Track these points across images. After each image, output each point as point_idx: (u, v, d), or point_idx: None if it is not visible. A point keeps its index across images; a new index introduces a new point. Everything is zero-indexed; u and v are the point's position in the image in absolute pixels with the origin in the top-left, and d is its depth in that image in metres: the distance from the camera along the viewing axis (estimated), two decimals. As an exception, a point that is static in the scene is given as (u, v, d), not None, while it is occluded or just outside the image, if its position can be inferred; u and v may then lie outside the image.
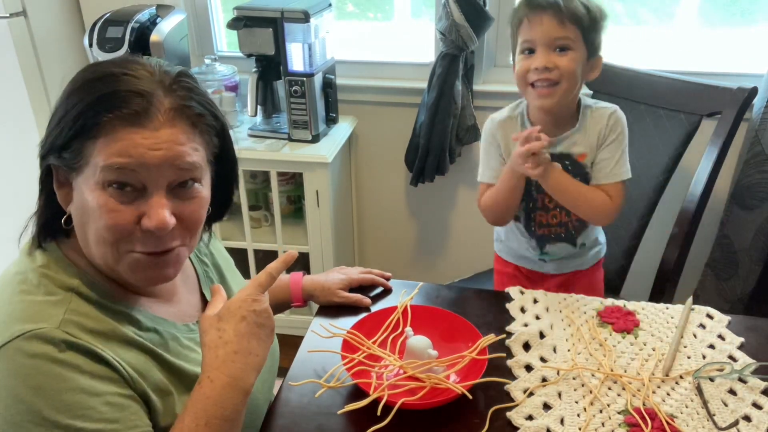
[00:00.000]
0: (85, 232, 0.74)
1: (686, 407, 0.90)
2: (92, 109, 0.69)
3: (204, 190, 0.78)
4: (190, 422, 0.72)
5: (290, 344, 1.05)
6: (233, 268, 1.05)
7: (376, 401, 0.85)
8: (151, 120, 0.70)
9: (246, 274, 1.97)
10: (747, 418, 0.88)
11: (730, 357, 0.99)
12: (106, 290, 0.76)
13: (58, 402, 0.66)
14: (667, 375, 0.96)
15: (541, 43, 1.13)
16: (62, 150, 0.71)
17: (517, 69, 1.19)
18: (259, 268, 1.99)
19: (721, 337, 1.04)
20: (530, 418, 0.88)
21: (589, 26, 1.14)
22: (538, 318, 1.09)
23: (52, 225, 0.77)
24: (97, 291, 0.75)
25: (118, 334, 0.74)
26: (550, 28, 1.12)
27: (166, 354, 0.78)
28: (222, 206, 0.89)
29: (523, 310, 1.12)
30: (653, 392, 0.92)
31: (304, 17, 1.66)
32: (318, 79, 1.78)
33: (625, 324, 1.06)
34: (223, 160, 0.83)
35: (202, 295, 0.94)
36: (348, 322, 1.04)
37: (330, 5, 1.81)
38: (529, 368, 0.97)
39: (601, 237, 1.41)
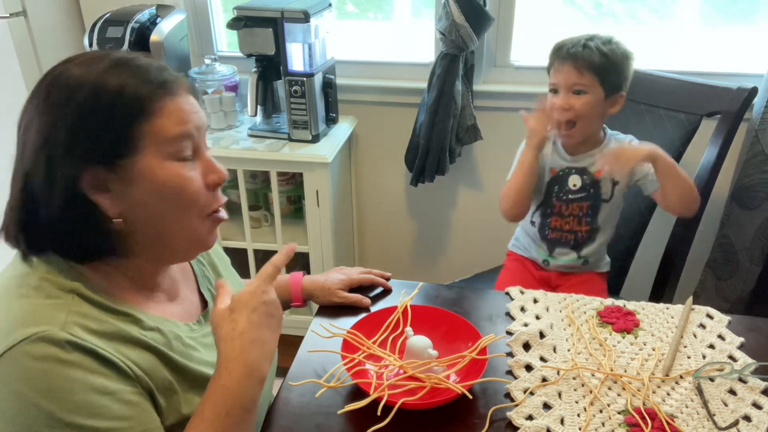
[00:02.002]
0: (157, 222, 0.75)
1: (686, 407, 0.90)
2: (143, 91, 0.71)
3: None
4: (210, 414, 0.73)
5: (290, 344, 1.05)
6: (230, 268, 1.05)
7: (376, 401, 0.85)
8: (181, 88, 0.76)
9: (246, 275, 1.97)
10: (747, 418, 0.88)
11: (730, 357, 0.99)
12: (107, 292, 0.76)
13: (71, 403, 0.66)
14: (667, 375, 0.96)
15: (562, 87, 1.33)
16: (115, 148, 0.70)
17: (547, 104, 1.39)
18: (259, 268, 1.99)
19: (721, 337, 1.04)
20: (530, 418, 0.88)
21: (606, 71, 1.31)
22: (538, 318, 1.09)
23: (96, 242, 0.75)
24: (98, 293, 0.74)
25: (122, 334, 0.73)
26: (569, 75, 1.32)
27: (170, 352, 0.78)
28: None
29: (523, 309, 1.12)
30: (653, 392, 0.92)
31: (304, 17, 1.66)
32: (318, 79, 1.78)
33: (625, 324, 1.06)
34: None
35: (201, 295, 0.94)
36: (348, 322, 1.04)
37: (330, 5, 1.81)
38: (529, 368, 0.97)
39: (606, 257, 1.53)
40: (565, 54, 1.32)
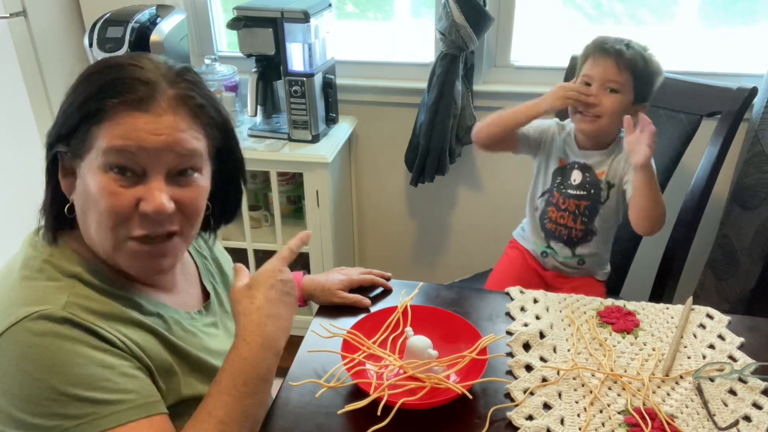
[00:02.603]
0: (86, 220, 0.75)
1: (686, 407, 0.90)
2: (98, 94, 0.71)
3: (203, 180, 0.79)
4: (227, 382, 0.75)
5: (290, 344, 1.05)
6: (231, 267, 1.06)
7: (376, 401, 0.85)
8: (154, 106, 0.72)
9: (246, 274, 1.97)
10: (747, 418, 0.88)
11: (730, 357, 0.99)
12: (109, 277, 0.77)
13: (73, 376, 0.67)
14: (667, 375, 0.96)
15: (597, 80, 1.31)
16: (69, 137, 0.73)
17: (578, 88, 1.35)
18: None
19: (721, 337, 1.04)
20: (530, 418, 0.88)
21: (642, 77, 1.31)
22: (538, 318, 1.09)
23: (58, 217, 0.78)
24: (100, 278, 0.76)
25: (122, 315, 0.75)
26: (609, 71, 1.30)
27: (170, 336, 0.80)
28: (229, 208, 0.90)
29: (523, 309, 1.12)
30: (653, 392, 0.92)
31: (304, 17, 1.66)
32: (318, 79, 1.78)
33: (625, 324, 1.06)
34: (228, 159, 0.84)
35: (203, 288, 0.95)
36: (348, 322, 1.04)
37: (330, 5, 1.81)
38: (529, 368, 0.97)
39: (607, 264, 1.52)
40: (610, 49, 1.30)
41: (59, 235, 0.78)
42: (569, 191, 1.42)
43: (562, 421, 0.87)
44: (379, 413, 0.84)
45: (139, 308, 0.78)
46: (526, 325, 1.06)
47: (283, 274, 0.84)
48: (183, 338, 0.82)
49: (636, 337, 1.04)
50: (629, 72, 1.29)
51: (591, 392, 0.92)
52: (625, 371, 0.96)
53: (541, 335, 1.04)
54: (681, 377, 0.96)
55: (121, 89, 0.71)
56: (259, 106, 1.85)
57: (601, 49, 1.32)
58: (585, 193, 1.40)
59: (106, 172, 0.72)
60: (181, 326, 0.83)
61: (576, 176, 1.41)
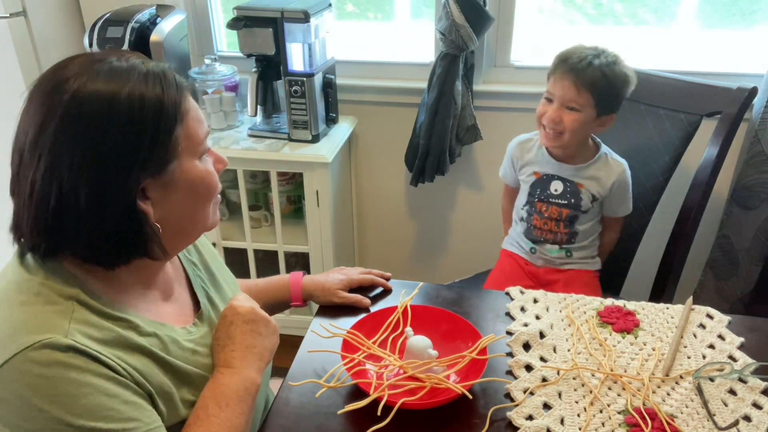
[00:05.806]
0: (186, 218, 0.80)
1: (686, 407, 0.90)
2: (173, 95, 0.74)
3: None
4: (213, 406, 0.79)
5: (290, 344, 1.05)
6: (223, 266, 1.04)
7: (376, 401, 0.85)
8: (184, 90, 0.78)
9: (246, 275, 1.97)
10: (747, 418, 0.88)
11: (730, 357, 0.99)
12: (104, 297, 0.76)
13: (78, 406, 0.66)
14: (667, 375, 0.96)
15: (557, 100, 1.34)
16: (163, 156, 0.73)
17: (537, 109, 1.39)
18: (259, 268, 2.00)
19: (721, 337, 1.04)
20: (530, 418, 0.88)
21: (604, 94, 1.31)
22: (538, 318, 1.09)
23: (136, 243, 0.76)
24: (96, 299, 0.75)
25: (121, 340, 0.74)
26: (567, 90, 1.32)
27: (167, 356, 0.79)
28: None
29: (523, 309, 1.12)
30: (653, 392, 0.92)
31: (304, 17, 1.66)
32: (318, 79, 1.78)
33: (625, 324, 1.07)
34: None
35: (193, 294, 0.94)
36: (348, 322, 1.04)
37: (330, 5, 1.81)
38: (529, 368, 0.97)
39: (596, 257, 1.54)
40: (569, 68, 1.31)
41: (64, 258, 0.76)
42: (551, 199, 1.45)
43: (562, 421, 0.87)
44: (379, 413, 0.84)
45: (136, 329, 0.77)
46: (526, 325, 1.06)
47: (241, 306, 0.90)
48: (179, 356, 0.81)
49: (636, 337, 1.04)
50: (588, 92, 1.30)
51: (591, 392, 0.92)
52: (625, 371, 0.96)
53: (541, 335, 1.04)
54: (681, 377, 0.96)
55: (178, 81, 0.76)
56: (259, 106, 1.85)
57: (562, 69, 1.32)
58: (566, 202, 1.44)
59: (200, 157, 0.78)
60: (177, 344, 0.82)
61: (557, 186, 1.44)
